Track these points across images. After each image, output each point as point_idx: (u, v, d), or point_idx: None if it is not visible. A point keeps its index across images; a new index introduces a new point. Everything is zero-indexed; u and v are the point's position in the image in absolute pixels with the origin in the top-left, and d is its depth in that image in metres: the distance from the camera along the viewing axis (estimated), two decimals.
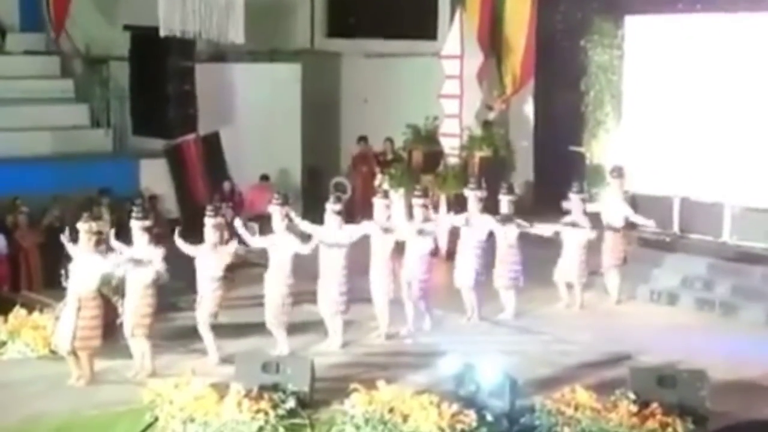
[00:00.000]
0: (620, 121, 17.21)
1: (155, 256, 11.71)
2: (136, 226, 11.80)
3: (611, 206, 14.96)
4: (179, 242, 12.16)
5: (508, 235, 13.86)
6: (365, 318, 13.24)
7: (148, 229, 11.83)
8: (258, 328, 12.67)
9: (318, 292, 12.62)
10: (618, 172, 15.15)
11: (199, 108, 18.49)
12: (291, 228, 12.54)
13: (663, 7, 16.39)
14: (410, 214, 14.11)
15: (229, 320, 12.58)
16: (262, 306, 12.54)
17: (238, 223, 12.73)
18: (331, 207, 12.61)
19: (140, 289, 11.64)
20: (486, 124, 18.10)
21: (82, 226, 11.46)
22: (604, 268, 14.92)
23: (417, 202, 13.45)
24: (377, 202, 13.25)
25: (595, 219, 14.76)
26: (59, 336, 11.56)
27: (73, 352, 11.42)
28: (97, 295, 11.44)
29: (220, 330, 12.22)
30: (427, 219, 13.36)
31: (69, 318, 11.37)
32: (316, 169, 20.69)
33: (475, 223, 13.72)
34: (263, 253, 12.56)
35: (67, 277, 11.60)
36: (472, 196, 13.82)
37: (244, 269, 14.09)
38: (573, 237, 14.43)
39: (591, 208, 14.84)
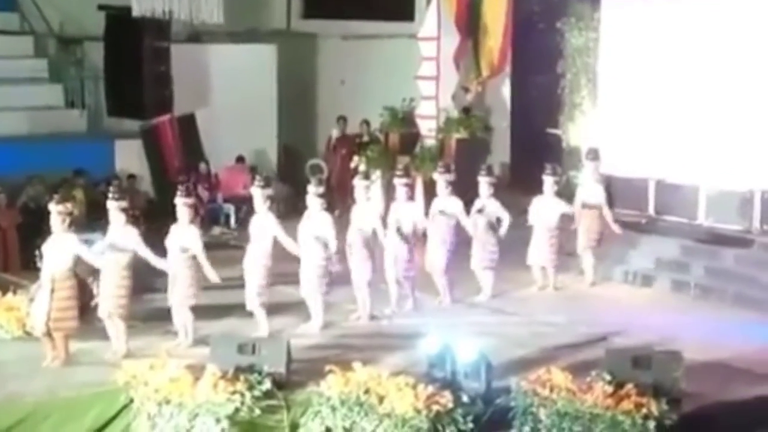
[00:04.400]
0: (596, 104, 17.24)
1: (132, 236, 11.68)
2: (112, 206, 11.75)
3: (587, 188, 15.02)
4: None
5: (480, 222, 13.91)
6: (343, 300, 13.23)
7: (124, 210, 11.79)
8: (233, 309, 12.65)
9: (300, 274, 12.61)
10: (594, 155, 15.21)
11: (175, 89, 18.39)
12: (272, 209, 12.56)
13: None
14: (387, 195, 14.11)
15: (204, 302, 12.54)
16: (237, 287, 12.52)
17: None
18: (314, 190, 12.61)
19: (117, 271, 11.60)
20: (463, 109, 18.08)
21: (54, 207, 11.41)
22: (580, 250, 14.97)
23: (399, 181, 13.47)
24: (358, 183, 13.26)
25: (571, 201, 14.85)
26: (34, 317, 11.51)
27: (48, 334, 11.37)
28: (71, 276, 11.38)
29: (195, 311, 12.15)
30: (409, 199, 13.42)
31: (43, 299, 11.32)
32: (293, 151, 20.65)
33: (446, 209, 13.73)
34: (240, 235, 12.54)
35: (41, 258, 11.55)
36: (441, 179, 13.84)
37: (221, 251, 14.05)
38: (542, 220, 14.48)
39: (576, 198, 14.89)
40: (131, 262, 11.69)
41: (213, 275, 11.99)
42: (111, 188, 12.18)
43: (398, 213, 13.41)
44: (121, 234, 11.69)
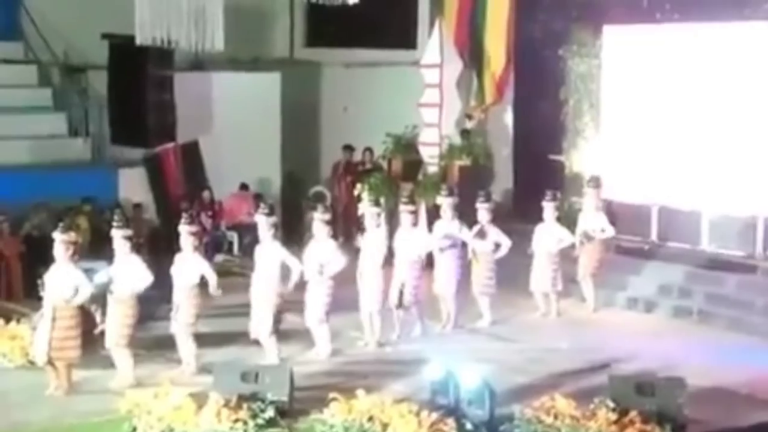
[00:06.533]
0: (599, 130, 17.27)
1: (136, 265, 11.69)
2: (117, 235, 11.78)
3: (588, 215, 15.04)
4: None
5: (483, 245, 13.95)
6: (346, 327, 13.23)
7: (128, 238, 11.81)
8: (237, 337, 12.64)
9: (306, 301, 12.62)
10: (595, 182, 15.26)
11: (178, 117, 18.45)
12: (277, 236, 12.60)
13: (641, 16, 16.48)
14: (389, 222, 14.16)
15: (208, 329, 12.55)
16: (241, 315, 12.52)
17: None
18: (320, 217, 12.64)
19: (123, 300, 11.60)
20: (465, 133, 18.13)
21: (58, 235, 11.43)
22: (580, 277, 14.98)
23: (405, 208, 13.54)
24: (368, 210, 13.30)
25: (573, 228, 14.86)
26: (36, 347, 11.50)
27: (50, 363, 11.36)
28: (73, 305, 11.37)
29: (198, 339, 12.17)
30: (414, 225, 13.49)
31: (44, 328, 11.31)
32: (296, 178, 20.68)
33: (448, 231, 13.77)
34: (243, 263, 12.56)
35: (44, 287, 11.55)
36: (446, 204, 13.88)
37: (224, 278, 14.05)
38: (543, 246, 14.49)
39: (579, 226, 14.90)
40: (137, 290, 11.70)
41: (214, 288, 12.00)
42: (115, 217, 12.21)
43: (404, 239, 13.45)
44: (126, 263, 11.71)
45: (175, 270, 12.07)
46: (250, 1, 20.67)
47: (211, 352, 12.26)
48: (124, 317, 11.61)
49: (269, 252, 12.36)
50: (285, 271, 12.36)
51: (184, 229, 12.12)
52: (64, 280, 11.34)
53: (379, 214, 13.40)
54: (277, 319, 12.27)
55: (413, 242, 13.44)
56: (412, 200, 14.05)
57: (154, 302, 12.74)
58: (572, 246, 14.78)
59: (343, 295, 12.91)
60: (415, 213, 13.73)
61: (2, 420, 10.64)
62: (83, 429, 10.48)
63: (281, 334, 12.53)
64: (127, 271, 11.69)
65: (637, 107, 16.53)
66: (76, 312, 11.39)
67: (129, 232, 11.87)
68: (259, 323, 12.28)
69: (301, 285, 12.62)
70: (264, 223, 12.45)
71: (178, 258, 12.13)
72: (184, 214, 12.53)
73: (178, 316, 11.99)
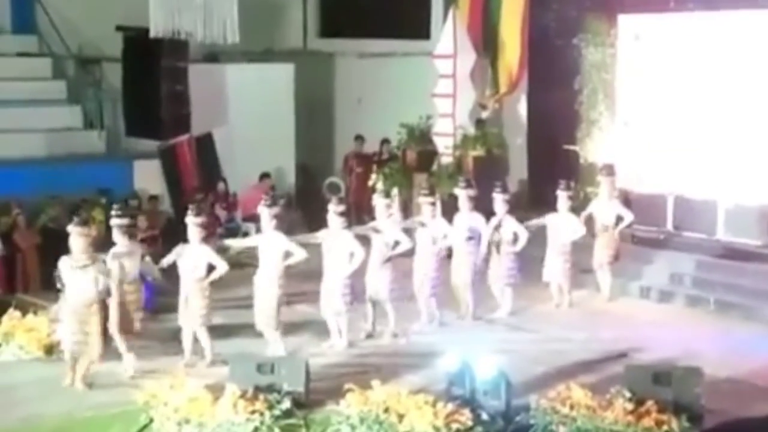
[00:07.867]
0: (614, 120, 17.23)
1: (135, 253, 11.71)
2: (115, 224, 11.83)
3: (602, 204, 15.00)
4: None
5: (503, 236, 13.92)
6: (360, 318, 13.22)
7: (128, 229, 11.80)
8: (249, 328, 12.65)
9: (321, 292, 12.63)
10: (608, 170, 15.18)
11: (192, 108, 18.48)
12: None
13: (655, 5, 16.43)
14: (404, 212, 14.14)
15: (219, 321, 12.55)
16: (252, 307, 12.50)
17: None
18: (334, 208, 12.63)
19: (117, 287, 11.60)
20: (479, 123, 18.11)
21: (76, 229, 11.40)
22: (596, 266, 14.94)
23: (425, 200, 13.56)
24: (379, 201, 13.30)
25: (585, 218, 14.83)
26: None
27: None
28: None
29: (211, 331, 12.18)
30: (433, 216, 13.52)
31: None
32: (310, 169, 20.70)
33: (467, 222, 13.75)
34: (254, 254, 12.59)
35: (59, 280, 11.53)
36: (463, 195, 13.87)
37: (237, 270, 14.09)
38: (556, 236, 14.46)
39: (586, 210, 14.87)
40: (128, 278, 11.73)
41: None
42: (114, 206, 12.23)
43: (424, 230, 13.44)
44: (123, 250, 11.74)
45: (181, 262, 12.06)
46: None
47: (223, 344, 12.26)
48: (124, 304, 11.62)
49: (271, 243, 12.35)
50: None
51: (191, 221, 12.10)
52: (92, 275, 11.21)
53: (389, 205, 13.39)
54: (280, 312, 12.25)
55: (433, 233, 13.42)
56: (432, 191, 14.03)
57: (168, 294, 12.77)
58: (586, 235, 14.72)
59: (356, 285, 12.89)
60: (434, 204, 13.71)
61: (19, 412, 10.68)
62: (100, 420, 10.49)
63: (291, 325, 12.52)
64: (124, 259, 11.72)
65: (652, 97, 16.49)
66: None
67: (126, 221, 11.92)
68: (261, 316, 12.28)
69: (311, 275, 12.58)
70: (266, 215, 12.45)
71: (183, 249, 12.06)
72: (190, 206, 12.50)
73: (188, 309, 12.00)
